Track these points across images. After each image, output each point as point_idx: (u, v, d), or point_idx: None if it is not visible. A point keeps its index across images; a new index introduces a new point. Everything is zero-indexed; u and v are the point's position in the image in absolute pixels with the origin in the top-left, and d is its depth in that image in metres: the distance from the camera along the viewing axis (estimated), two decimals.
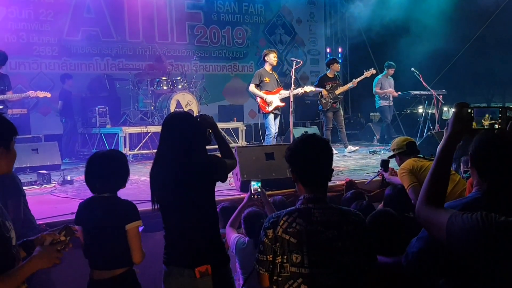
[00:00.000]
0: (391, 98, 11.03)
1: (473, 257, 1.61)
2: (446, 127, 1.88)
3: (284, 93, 8.66)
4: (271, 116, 8.64)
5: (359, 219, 2.44)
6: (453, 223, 1.65)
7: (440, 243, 1.72)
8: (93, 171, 3.03)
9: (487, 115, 1.66)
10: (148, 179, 3.01)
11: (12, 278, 2.07)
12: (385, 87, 10.93)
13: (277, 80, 8.80)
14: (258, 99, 8.68)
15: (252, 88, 8.69)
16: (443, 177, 1.81)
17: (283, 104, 8.68)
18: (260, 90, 8.62)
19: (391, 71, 11.03)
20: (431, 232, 1.77)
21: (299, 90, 8.83)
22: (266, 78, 8.64)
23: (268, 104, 8.56)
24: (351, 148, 9.73)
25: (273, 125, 8.65)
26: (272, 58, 8.63)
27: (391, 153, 5.01)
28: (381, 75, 11.04)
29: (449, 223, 1.66)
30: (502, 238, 1.56)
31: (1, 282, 2.05)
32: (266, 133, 8.76)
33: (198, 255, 2.87)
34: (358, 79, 9.79)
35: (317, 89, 9.55)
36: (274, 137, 8.68)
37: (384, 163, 5.26)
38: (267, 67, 8.73)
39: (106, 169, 3.00)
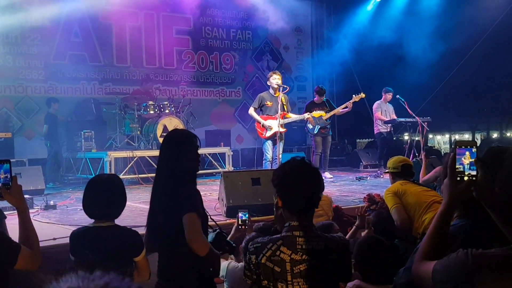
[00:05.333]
0: (390, 125, 10.99)
1: None
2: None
3: (293, 116, 8.63)
4: (269, 142, 8.47)
5: (343, 246, 2.42)
6: (437, 269, 1.67)
7: None
8: (94, 197, 2.91)
9: (467, 153, 1.53)
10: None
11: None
12: (384, 113, 10.90)
13: (283, 105, 8.38)
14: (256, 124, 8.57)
15: (250, 111, 8.62)
16: (439, 241, 1.81)
17: (283, 130, 8.39)
18: (262, 114, 8.48)
19: (389, 96, 10.98)
20: (421, 284, 1.77)
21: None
22: (268, 102, 8.47)
23: (266, 129, 8.40)
24: (327, 174, 9.64)
25: (270, 150, 8.44)
26: (271, 80, 8.43)
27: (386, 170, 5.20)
28: (379, 100, 11.06)
29: (434, 269, 1.67)
30: (478, 269, 1.57)
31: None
32: (263, 158, 8.63)
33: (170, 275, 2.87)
34: (344, 105, 9.76)
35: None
36: (270, 162, 8.44)
37: None
38: (271, 90, 8.55)
39: (107, 195, 2.89)
